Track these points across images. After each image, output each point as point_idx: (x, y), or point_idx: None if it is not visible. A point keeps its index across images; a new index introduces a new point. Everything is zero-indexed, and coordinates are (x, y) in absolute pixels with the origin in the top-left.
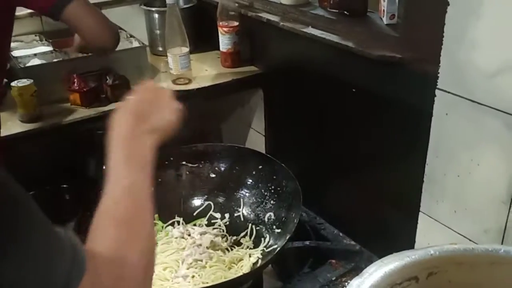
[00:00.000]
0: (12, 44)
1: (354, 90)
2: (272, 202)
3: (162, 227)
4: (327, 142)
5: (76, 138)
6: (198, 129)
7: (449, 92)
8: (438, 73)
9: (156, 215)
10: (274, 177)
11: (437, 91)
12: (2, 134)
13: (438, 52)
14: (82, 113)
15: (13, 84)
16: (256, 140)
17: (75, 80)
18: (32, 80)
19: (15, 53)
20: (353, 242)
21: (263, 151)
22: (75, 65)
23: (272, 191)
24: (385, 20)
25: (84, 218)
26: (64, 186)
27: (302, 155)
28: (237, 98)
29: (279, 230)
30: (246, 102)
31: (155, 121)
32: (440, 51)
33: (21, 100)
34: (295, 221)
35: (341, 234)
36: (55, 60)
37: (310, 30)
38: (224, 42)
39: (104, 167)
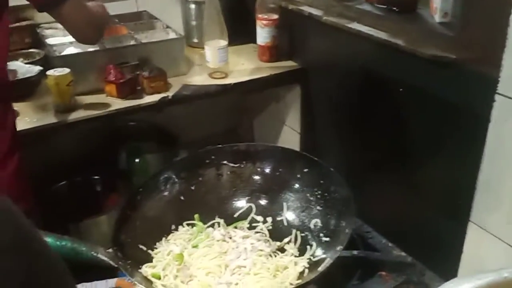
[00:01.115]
0: (47, 32)
1: (401, 89)
2: (318, 208)
3: (203, 228)
4: (369, 143)
5: (109, 130)
6: (229, 124)
7: (511, 98)
8: (499, 77)
9: (197, 215)
10: (321, 181)
11: (496, 96)
12: (38, 124)
13: (499, 55)
14: (118, 104)
15: (49, 72)
16: (290, 138)
17: (112, 70)
18: (69, 69)
19: (50, 41)
20: (403, 253)
21: (298, 149)
22: (112, 55)
23: (319, 196)
24: (437, 18)
25: (122, 215)
26: (96, 177)
27: (341, 157)
28: (272, 93)
29: (327, 239)
30: (281, 98)
31: None
32: (503, 54)
33: (57, 90)
34: (347, 231)
35: (390, 244)
36: (90, 49)
37: (356, 26)
38: (263, 36)
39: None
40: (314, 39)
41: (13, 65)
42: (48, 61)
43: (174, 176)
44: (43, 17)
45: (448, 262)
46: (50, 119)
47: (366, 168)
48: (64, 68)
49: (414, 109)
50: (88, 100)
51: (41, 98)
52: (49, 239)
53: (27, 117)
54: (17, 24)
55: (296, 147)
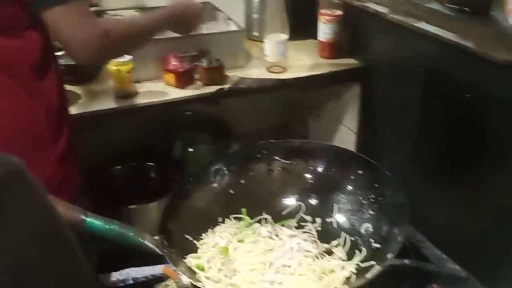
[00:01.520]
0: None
1: (467, 95)
2: (370, 212)
3: (250, 223)
4: (429, 148)
5: (166, 118)
6: (284, 119)
7: None
8: None
9: (244, 210)
10: (376, 185)
11: None
12: (97, 108)
13: None
14: (175, 94)
15: None
16: (346, 138)
17: (172, 60)
18: (131, 56)
19: None
20: (457, 267)
21: (353, 150)
22: (173, 45)
23: (372, 200)
24: None
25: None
26: (150, 164)
27: (398, 161)
28: (330, 90)
29: (377, 246)
30: (339, 96)
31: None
32: None
33: (117, 76)
34: (399, 239)
35: (444, 256)
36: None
37: (423, 26)
38: (324, 31)
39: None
40: (377, 37)
41: None
42: None
43: (224, 168)
44: (108, 4)
45: (507, 281)
46: (109, 104)
47: (424, 174)
48: (126, 55)
49: (481, 116)
50: (147, 87)
51: (103, 83)
52: (98, 222)
53: (87, 101)
54: None
55: (352, 148)
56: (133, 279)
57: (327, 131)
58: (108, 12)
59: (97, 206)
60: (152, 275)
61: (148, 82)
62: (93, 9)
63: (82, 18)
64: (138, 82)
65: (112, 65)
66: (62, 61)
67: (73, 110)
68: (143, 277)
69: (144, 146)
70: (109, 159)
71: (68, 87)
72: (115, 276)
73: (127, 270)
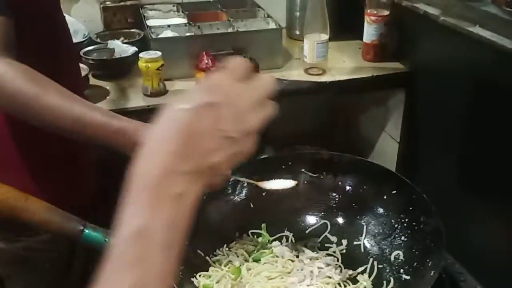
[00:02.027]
0: (150, 13)
1: None
2: (402, 238)
3: (269, 240)
4: (477, 164)
5: None
6: (322, 123)
7: None
8: None
9: (264, 225)
10: (411, 208)
11: None
12: (125, 106)
13: None
14: None
15: (141, 55)
16: (388, 146)
17: (204, 58)
18: (160, 53)
19: (150, 22)
20: None
21: (395, 159)
22: (207, 42)
23: (405, 225)
24: None
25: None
26: None
27: (443, 176)
28: (374, 95)
29: (407, 277)
30: (383, 101)
31: (215, 152)
32: None
33: (146, 73)
34: (432, 273)
35: None
36: (187, 34)
37: (478, 30)
38: (369, 33)
39: None
40: (426, 41)
41: (111, 44)
42: (145, 43)
43: (244, 179)
44: None
45: None
46: (137, 101)
47: (470, 194)
48: (156, 52)
49: None
50: (177, 86)
51: (133, 80)
52: (96, 234)
53: (115, 97)
54: (122, 3)
55: (394, 157)
56: None
57: (368, 138)
58: (146, 6)
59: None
60: None
61: (179, 81)
62: (129, 2)
63: None
64: (169, 80)
65: (141, 62)
66: (94, 56)
67: (102, 106)
68: None
69: None
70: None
71: (98, 82)
72: None
73: None
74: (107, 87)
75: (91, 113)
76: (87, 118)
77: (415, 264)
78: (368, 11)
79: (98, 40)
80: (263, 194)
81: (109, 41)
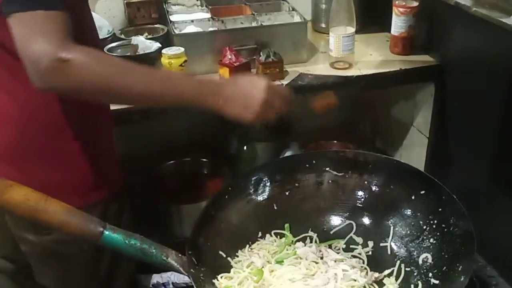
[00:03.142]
0: (173, 8)
1: None
2: (431, 240)
3: (292, 241)
4: (511, 161)
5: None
6: (349, 118)
7: None
8: None
9: (287, 225)
10: (440, 209)
11: None
12: None
13: None
14: None
15: (164, 51)
16: (417, 142)
17: (227, 53)
18: (183, 49)
19: (173, 18)
20: None
21: (424, 156)
22: (230, 37)
23: (434, 226)
24: None
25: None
26: (204, 160)
27: (475, 174)
28: (402, 89)
29: (436, 282)
30: (412, 95)
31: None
32: None
33: (169, 69)
34: (463, 279)
35: None
36: (210, 29)
37: (511, 21)
38: (398, 25)
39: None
40: (457, 32)
41: (135, 40)
42: (169, 38)
43: (267, 178)
44: None
45: None
46: None
47: (502, 193)
48: (179, 48)
49: None
50: None
51: None
52: (117, 236)
53: None
54: None
55: (423, 153)
56: (173, 283)
57: (396, 134)
58: (169, 1)
59: (148, 201)
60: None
61: (203, 76)
62: None
63: (38, 33)
64: (193, 75)
65: (164, 58)
66: (118, 52)
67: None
68: (183, 283)
69: (199, 141)
70: (163, 154)
71: None
72: (156, 278)
73: (168, 273)
74: None
75: (173, 74)
76: (172, 78)
77: (444, 268)
78: (397, 2)
79: (122, 36)
80: (286, 193)
81: (133, 37)
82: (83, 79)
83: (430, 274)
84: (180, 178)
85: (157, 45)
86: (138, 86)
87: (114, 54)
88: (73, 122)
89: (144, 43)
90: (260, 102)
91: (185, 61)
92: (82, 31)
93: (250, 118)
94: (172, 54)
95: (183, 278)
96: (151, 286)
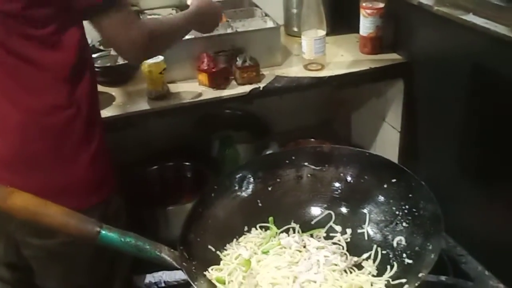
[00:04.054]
0: (150, 18)
1: None
2: (404, 224)
3: (276, 233)
4: (475, 149)
5: (203, 116)
6: (325, 117)
7: None
8: None
9: (271, 218)
10: (410, 195)
11: None
12: (130, 110)
13: None
14: (209, 94)
15: None
16: (389, 136)
17: (205, 59)
18: (162, 57)
19: None
20: (501, 285)
21: (397, 149)
22: (207, 43)
23: (406, 211)
24: None
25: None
26: (186, 163)
27: (444, 162)
28: (373, 87)
29: (410, 261)
30: (382, 92)
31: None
32: None
33: (149, 77)
34: (433, 256)
35: (487, 272)
36: (187, 36)
37: (471, 18)
38: (366, 26)
39: (227, 150)
40: (422, 30)
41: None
42: None
43: (250, 176)
44: (146, 3)
45: None
46: (142, 105)
47: (469, 179)
48: (158, 56)
49: None
50: (181, 88)
51: (137, 84)
52: (113, 235)
53: (121, 102)
54: None
55: (395, 147)
56: (165, 282)
57: (369, 129)
58: (146, 11)
59: (134, 206)
60: (183, 280)
61: (182, 82)
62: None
63: (130, 21)
64: (172, 82)
65: (144, 67)
66: (98, 63)
67: (108, 112)
68: (175, 281)
69: (181, 145)
70: (147, 159)
71: (103, 88)
72: (148, 278)
73: (160, 273)
74: (113, 93)
75: (183, 15)
76: (186, 17)
77: (417, 248)
78: (364, 4)
79: (101, 47)
80: (269, 188)
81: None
82: (162, 45)
83: (404, 255)
84: (164, 182)
85: None
86: (180, 35)
87: (95, 65)
88: (72, 127)
89: None
90: (218, 22)
91: (164, 68)
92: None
93: (212, 31)
94: (151, 63)
95: (174, 277)
96: (144, 286)
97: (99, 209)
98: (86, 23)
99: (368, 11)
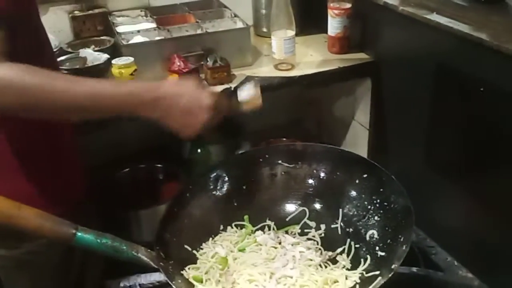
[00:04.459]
0: (118, 19)
1: (482, 89)
2: (376, 218)
3: (252, 230)
4: (441, 145)
5: None
6: (296, 116)
7: None
8: None
9: (246, 216)
10: (381, 189)
11: None
12: None
13: None
14: None
15: (114, 61)
16: (359, 133)
17: (175, 60)
18: (132, 59)
19: (119, 29)
20: (470, 275)
21: (366, 146)
22: (177, 45)
23: (377, 205)
24: None
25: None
26: (158, 165)
27: (412, 158)
28: (342, 86)
29: (382, 254)
30: (351, 91)
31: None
32: None
33: (120, 79)
34: (404, 247)
35: (456, 263)
36: (157, 38)
37: (435, 17)
38: (333, 26)
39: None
40: (388, 30)
41: (83, 52)
42: (116, 49)
43: (225, 175)
44: (114, 4)
45: None
46: None
47: (437, 173)
48: (129, 57)
49: (496, 112)
50: None
51: None
52: (89, 236)
53: None
54: (90, 11)
55: (365, 144)
56: (140, 285)
57: (340, 127)
58: (114, 13)
59: (106, 209)
60: (158, 282)
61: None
62: (98, 10)
63: None
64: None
65: (115, 68)
66: (66, 65)
67: None
68: (150, 283)
69: (152, 147)
70: (117, 162)
71: None
72: (123, 282)
73: (134, 276)
74: None
75: (100, 84)
76: (97, 90)
77: (389, 240)
78: (331, 5)
79: (69, 49)
80: (244, 187)
81: (81, 50)
82: (15, 91)
83: (377, 248)
84: (135, 185)
85: (105, 56)
86: (62, 99)
87: (63, 68)
88: (40, 133)
89: (93, 55)
90: (202, 122)
91: (135, 70)
92: (38, 45)
93: (189, 134)
94: (122, 64)
95: (149, 279)
96: None
97: (69, 213)
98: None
99: (336, 11)
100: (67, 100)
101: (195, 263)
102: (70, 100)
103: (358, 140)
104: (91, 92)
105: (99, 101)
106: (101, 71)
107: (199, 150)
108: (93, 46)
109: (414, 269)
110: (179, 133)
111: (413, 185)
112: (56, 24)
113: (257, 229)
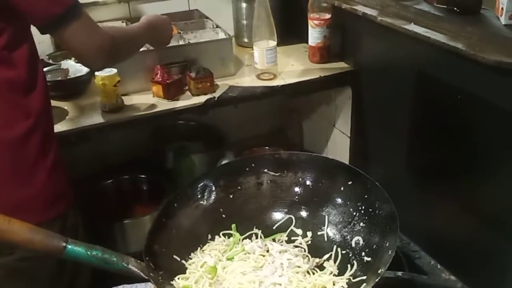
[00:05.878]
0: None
1: (459, 97)
2: (361, 224)
3: (240, 239)
4: (421, 151)
5: (158, 128)
6: (278, 125)
7: None
8: None
9: (234, 225)
10: (366, 196)
11: None
12: (85, 124)
13: None
14: (163, 105)
15: (97, 73)
16: (340, 141)
17: (159, 71)
18: (115, 70)
19: None
20: (453, 277)
21: (347, 153)
22: (160, 56)
23: (363, 212)
24: (503, 20)
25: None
26: (142, 176)
27: (392, 164)
28: (323, 94)
29: (368, 259)
30: (332, 99)
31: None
32: None
33: (103, 90)
34: (390, 252)
35: (439, 266)
36: (140, 49)
37: (412, 27)
38: (314, 36)
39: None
40: (367, 40)
41: (65, 64)
42: None
43: (212, 184)
44: (96, 15)
45: None
46: (96, 119)
47: (418, 180)
48: (112, 69)
49: (473, 119)
50: (135, 100)
51: (90, 97)
52: (79, 249)
53: (75, 116)
54: None
55: (346, 151)
56: None
57: (321, 135)
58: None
59: (90, 221)
60: None
61: (136, 95)
62: None
63: (92, 29)
64: (126, 95)
65: (98, 80)
66: (48, 77)
67: (61, 126)
68: None
69: (136, 158)
70: (102, 173)
71: (55, 102)
72: None
73: (120, 287)
74: (65, 107)
75: (140, 31)
76: (142, 33)
77: (374, 246)
78: (311, 15)
79: (51, 61)
80: (231, 196)
81: (62, 62)
82: (124, 51)
83: (363, 253)
84: (120, 195)
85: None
86: (138, 45)
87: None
88: (28, 141)
89: (74, 67)
90: (172, 34)
91: (119, 81)
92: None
93: (168, 43)
94: (105, 76)
95: None
96: None
97: (57, 223)
98: (36, 33)
99: (316, 21)
100: (138, 41)
101: (185, 273)
102: (138, 40)
103: (339, 148)
104: (139, 31)
105: (142, 35)
106: (83, 83)
107: (182, 161)
108: (74, 58)
109: (399, 273)
110: (165, 44)
111: (395, 191)
112: (36, 36)
113: (245, 238)
